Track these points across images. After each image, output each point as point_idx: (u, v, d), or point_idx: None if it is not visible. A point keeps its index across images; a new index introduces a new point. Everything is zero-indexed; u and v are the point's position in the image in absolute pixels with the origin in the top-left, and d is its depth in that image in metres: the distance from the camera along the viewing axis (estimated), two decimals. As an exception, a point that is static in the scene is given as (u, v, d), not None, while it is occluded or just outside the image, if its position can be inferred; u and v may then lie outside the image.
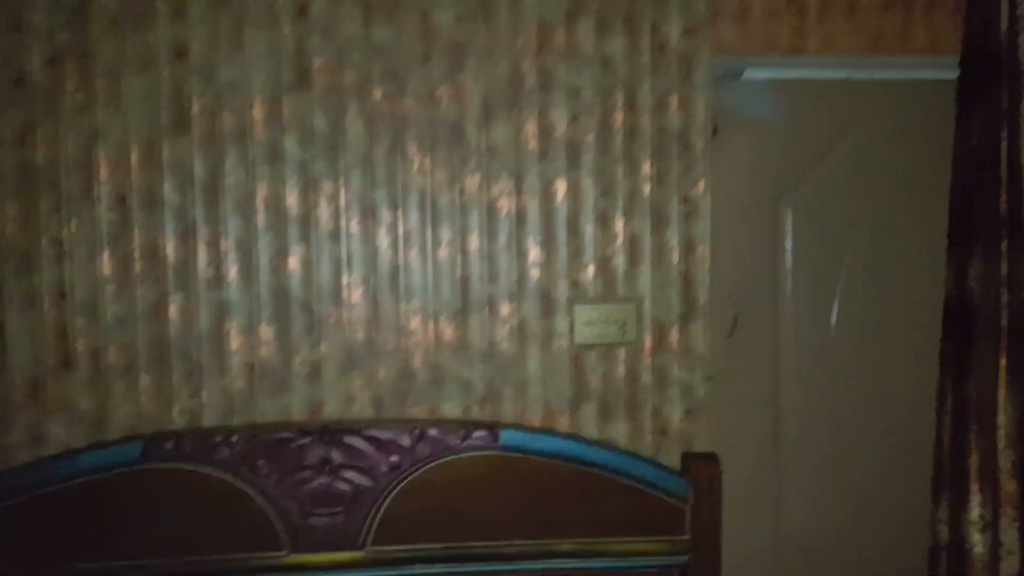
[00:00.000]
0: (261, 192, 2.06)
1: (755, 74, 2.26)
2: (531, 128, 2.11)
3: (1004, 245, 1.97)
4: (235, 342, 2.08)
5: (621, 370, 2.16)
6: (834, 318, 2.34)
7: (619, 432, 2.16)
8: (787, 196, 2.32)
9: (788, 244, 2.32)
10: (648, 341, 2.16)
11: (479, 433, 2.05)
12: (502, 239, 2.12)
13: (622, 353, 2.16)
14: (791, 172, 2.31)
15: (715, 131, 2.22)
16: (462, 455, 2.05)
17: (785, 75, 2.26)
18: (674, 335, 2.16)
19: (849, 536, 2.36)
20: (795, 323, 2.34)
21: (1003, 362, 1.98)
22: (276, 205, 2.07)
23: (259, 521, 2.01)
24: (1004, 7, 1.98)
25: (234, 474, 2.00)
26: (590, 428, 2.16)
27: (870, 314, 2.33)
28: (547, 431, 2.11)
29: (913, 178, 2.26)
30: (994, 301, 1.98)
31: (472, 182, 2.11)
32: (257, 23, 2.03)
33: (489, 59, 2.09)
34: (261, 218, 2.07)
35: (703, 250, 2.16)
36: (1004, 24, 1.98)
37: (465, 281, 2.12)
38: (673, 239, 2.15)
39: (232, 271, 2.07)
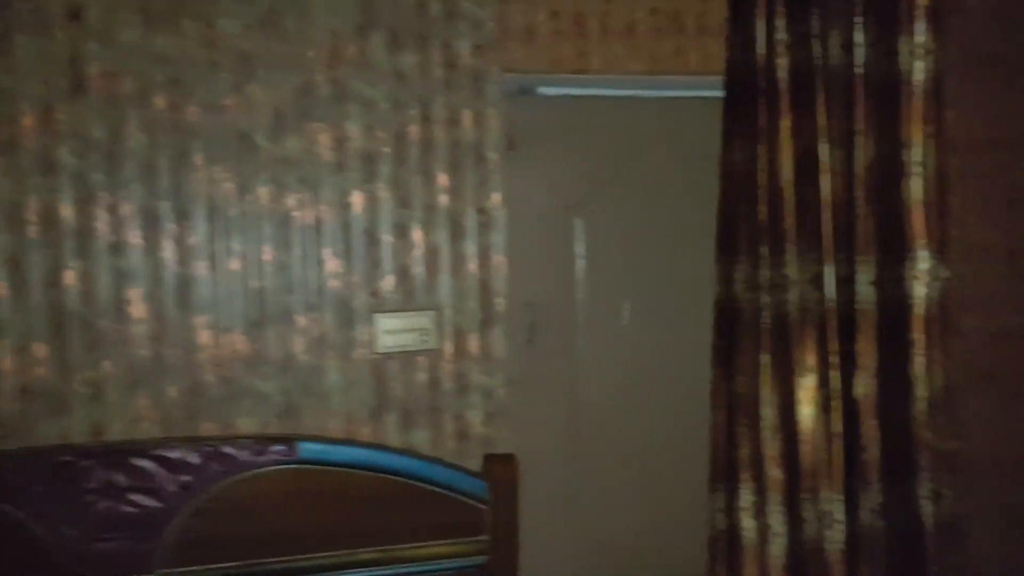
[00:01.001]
0: (33, 204, 1.96)
1: (547, 91, 2.37)
2: (325, 139, 2.11)
3: (764, 251, 2.15)
4: (6, 362, 1.96)
5: (422, 378, 2.20)
6: (625, 319, 2.48)
7: (422, 439, 2.20)
8: (579, 207, 2.43)
9: (581, 252, 2.44)
10: (449, 348, 2.21)
11: (276, 447, 2.03)
12: (297, 250, 2.11)
13: (423, 361, 2.20)
14: (583, 184, 2.43)
15: (512, 145, 2.30)
16: (259, 471, 2.02)
17: (576, 92, 2.38)
18: (474, 341, 2.22)
19: (644, 529, 2.49)
20: (589, 326, 2.46)
21: (765, 359, 2.15)
22: (49, 217, 1.97)
23: (38, 550, 1.90)
24: (761, 32, 2.16)
25: (7, 502, 1.89)
26: (393, 436, 2.18)
27: (657, 315, 2.48)
28: (348, 442, 2.12)
29: (692, 189, 2.42)
30: (756, 303, 2.15)
31: (264, 193, 2.09)
32: (27, 28, 1.94)
33: (280, 69, 2.08)
34: (33, 231, 1.96)
35: (500, 259, 2.23)
36: (762, 48, 2.16)
37: (260, 293, 2.10)
38: (471, 249, 2.21)
39: (1, 288, 1.95)
